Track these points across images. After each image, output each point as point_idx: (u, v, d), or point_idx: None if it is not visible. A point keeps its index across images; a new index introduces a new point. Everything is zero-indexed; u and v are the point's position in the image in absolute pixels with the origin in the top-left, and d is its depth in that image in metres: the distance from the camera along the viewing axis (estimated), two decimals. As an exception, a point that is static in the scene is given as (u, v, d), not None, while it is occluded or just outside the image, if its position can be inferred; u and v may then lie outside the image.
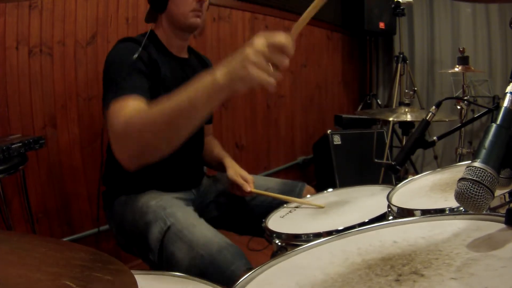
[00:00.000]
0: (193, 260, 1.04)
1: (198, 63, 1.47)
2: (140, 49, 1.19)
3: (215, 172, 1.57)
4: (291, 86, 3.25)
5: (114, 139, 0.97)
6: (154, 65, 1.24)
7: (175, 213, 1.17)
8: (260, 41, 0.77)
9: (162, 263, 1.11)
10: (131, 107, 1.00)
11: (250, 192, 1.37)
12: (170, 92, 1.20)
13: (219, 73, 0.80)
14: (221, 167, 1.47)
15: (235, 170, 1.41)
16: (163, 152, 0.93)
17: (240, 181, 1.37)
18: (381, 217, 1.00)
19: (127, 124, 0.95)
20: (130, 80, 1.10)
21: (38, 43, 1.67)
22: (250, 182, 1.38)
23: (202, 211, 1.35)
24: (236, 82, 0.79)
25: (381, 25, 3.72)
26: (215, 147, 1.57)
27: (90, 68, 1.84)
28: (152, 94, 1.12)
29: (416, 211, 0.89)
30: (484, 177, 0.52)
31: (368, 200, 1.24)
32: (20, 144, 1.33)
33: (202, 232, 1.11)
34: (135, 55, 1.17)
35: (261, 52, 0.77)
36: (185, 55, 1.40)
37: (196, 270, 1.03)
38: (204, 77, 0.83)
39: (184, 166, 1.39)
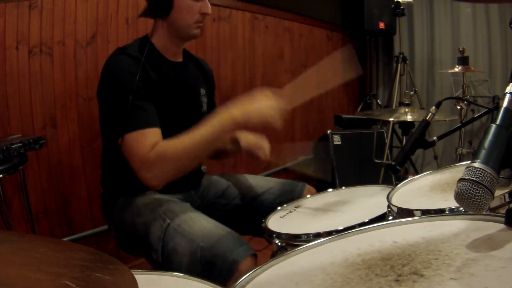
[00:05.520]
0: (194, 253, 1.04)
1: (193, 66, 1.46)
2: (139, 71, 1.19)
3: (214, 173, 1.57)
4: (291, 86, 3.25)
5: (146, 168, 1.12)
6: (151, 79, 1.23)
7: (173, 209, 1.18)
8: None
9: (165, 260, 1.11)
10: (156, 139, 1.14)
11: (269, 160, 1.43)
12: (165, 97, 1.22)
13: (237, 114, 1.09)
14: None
15: (247, 141, 1.41)
16: (189, 170, 1.18)
17: (255, 153, 1.40)
18: (381, 217, 1.00)
19: (160, 155, 1.11)
20: (141, 110, 1.16)
21: (38, 43, 1.67)
22: (265, 149, 1.41)
23: (202, 212, 1.34)
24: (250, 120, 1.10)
25: (381, 25, 3.72)
26: None
27: (90, 68, 1.84)
28: (151, 100, 1.20)
29: (416, 211, 0.89)
30: (483, 177, 0.52)
31: (368, 200, 1.24)
32: (20, 144, 1.33)
33: (200, 224, 1.12)
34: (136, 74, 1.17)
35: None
36: (180, 58, 1.39)
37: (198, 262, 1.03)
38: (224, 116, 1.11)
39: None
